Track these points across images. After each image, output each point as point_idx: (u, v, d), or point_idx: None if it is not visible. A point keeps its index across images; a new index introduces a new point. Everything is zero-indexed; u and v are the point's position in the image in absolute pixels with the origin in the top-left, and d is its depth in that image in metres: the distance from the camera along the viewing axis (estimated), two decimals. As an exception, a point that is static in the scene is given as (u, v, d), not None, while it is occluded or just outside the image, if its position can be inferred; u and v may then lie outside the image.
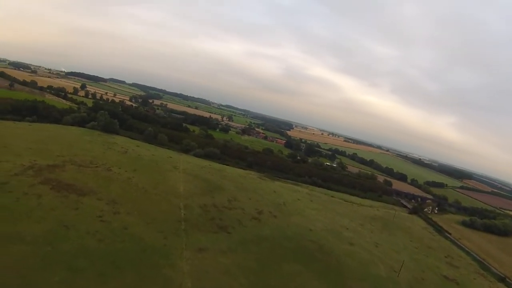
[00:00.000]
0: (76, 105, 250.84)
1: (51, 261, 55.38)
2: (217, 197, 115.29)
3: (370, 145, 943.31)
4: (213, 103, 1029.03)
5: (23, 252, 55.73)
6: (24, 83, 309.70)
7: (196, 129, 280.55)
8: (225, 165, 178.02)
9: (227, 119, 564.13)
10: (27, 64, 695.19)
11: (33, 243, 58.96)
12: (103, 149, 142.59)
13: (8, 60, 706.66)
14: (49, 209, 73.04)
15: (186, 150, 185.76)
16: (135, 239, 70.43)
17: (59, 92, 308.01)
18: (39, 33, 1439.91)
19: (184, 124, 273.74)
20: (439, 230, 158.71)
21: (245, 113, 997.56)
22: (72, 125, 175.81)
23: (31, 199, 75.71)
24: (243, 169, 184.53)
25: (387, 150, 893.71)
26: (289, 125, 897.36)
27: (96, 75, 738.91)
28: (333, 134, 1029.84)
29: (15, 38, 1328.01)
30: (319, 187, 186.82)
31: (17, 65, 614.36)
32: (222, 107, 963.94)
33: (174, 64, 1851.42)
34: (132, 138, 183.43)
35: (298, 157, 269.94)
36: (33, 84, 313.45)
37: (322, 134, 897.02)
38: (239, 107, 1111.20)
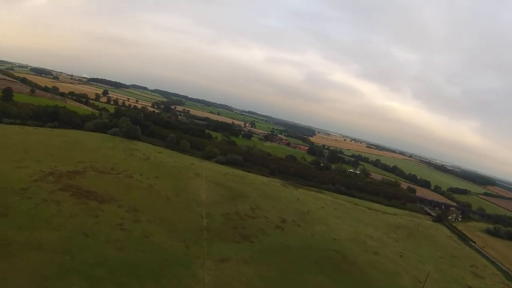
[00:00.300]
0: (98, 111, 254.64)
1: (69, 270, 55.04)
2: (240, 205, 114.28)
3: (393, 151, 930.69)
4: (235, 109, 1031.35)
5: (40, 260, 55.60)
6: (45, 89, 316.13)
7: (218, 136, 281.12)
8: (247, 172, 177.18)
9: (250, 125, 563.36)
10: (49, 70, 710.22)
11: (51, 251, 58.88)
12: (124, 155, 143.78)
13: (30, 66, 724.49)
14: (69, 216, 73.10)
15: (208, 157, 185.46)
16: (156, 248, 69.78)
17: (81, 98, 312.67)
18: (61, 40, 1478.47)
19: (206, 131, 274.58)
20: (463, 238, 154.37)
21: (268, 119, 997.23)
22: (93, 131, 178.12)
23: (51, 205, 76.03)
24: (266, 176, 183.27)
25: (410, 156, 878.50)
26: (311, 131, 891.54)
27: (118, 81, 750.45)
28: (355, 140, 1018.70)
29: (37, 45, 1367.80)
30: (342, 194, 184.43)
31: (39, 71, 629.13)
32: (245, 113, 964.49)
33: (196, 70, 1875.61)
34: (154, 145, 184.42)
35: (321, 164, 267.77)
36: (54, 90, 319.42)
37: (344, 140, 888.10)
38: (261, 113, 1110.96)
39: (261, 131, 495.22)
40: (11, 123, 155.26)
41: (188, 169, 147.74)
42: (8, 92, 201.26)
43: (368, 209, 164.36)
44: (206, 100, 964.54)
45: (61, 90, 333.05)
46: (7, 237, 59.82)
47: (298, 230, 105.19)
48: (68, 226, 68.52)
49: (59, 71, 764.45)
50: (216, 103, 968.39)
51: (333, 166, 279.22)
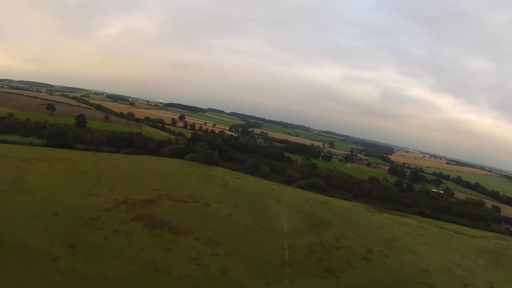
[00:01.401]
0: (174, 137, 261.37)
1: (139, 310, 52.71)
2: (323, 234, 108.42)
3: (473, 166, 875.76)
4: (313, 129, 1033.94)
5: (106, 298, 53.83)
6: (120, 115, 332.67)
7: (298, 158, 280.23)
8: (330, 197, 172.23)
9: (328, 146, 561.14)
10: (125, 96, 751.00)
11: (119, 287, 57.04)
12: (202, 182, 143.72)
13: (106, 93, 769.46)
14: (140, 249, 71.78)
15: (289, 182, 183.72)
16: (234, 286, 66.17)
17: (157, 123, 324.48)
18: (136, 67, 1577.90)
19: (286, 154, 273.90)
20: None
21: (346, 139, 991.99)
22: (170, 157, 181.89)
23: (121, 237, 75.36)
24: (349, 200, 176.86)
25: (490, 171, 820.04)
26: (390, 149, 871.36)
27: (195, 105, 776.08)
28: (434, 156, 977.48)
29: (113, 73, 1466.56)
30: (427, 217, 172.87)
31: (115, 98, 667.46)
32: (322, 133, 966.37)
33: (272, 92, 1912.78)
34: (233, 170, 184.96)
35: (404, 185, 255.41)
36: (130, 116, 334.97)
37: (423, 157, 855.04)
38: (339, 133, 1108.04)
39: (341, 152, 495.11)
40: (84, 150, 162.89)
41: (268, 195, 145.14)
42: (81, 118, 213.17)
43: (454, 232, 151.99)
44: (284, 121, 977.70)
45: (136, 116, 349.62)
46: (73, 271, 59.15)
47: (385, 261, 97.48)
48: (138, 260, 67.01)
49: (135, 97, 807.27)
50: (293, 124, 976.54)
51: (415, 187, 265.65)
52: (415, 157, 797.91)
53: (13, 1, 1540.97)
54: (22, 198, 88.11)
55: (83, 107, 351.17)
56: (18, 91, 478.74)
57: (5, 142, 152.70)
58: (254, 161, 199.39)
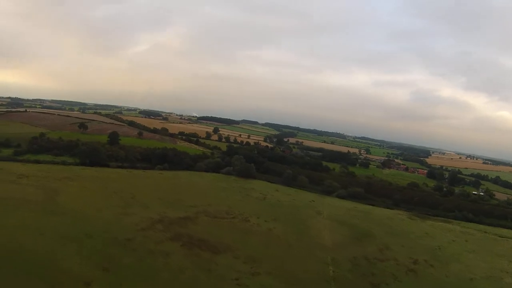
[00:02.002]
0: (209, 150, 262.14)
1: None
2: (367, 246, 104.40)
3: (509, 164, 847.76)
4: (348, 136, 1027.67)
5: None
6: (154, 130, 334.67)
7: (336, 167, 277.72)
8: (371, 206, 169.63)
9: (364, 152, 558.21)
10: (158, 111, 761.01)
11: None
12: (239, 196, 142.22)
13: (139, 109, 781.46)
14: (177, 270, 69.03)
15: (328, 192, 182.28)
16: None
17: (191, 137, 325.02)
18: (168, 82, 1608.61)
19: (324, 163, 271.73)
20: None
21: (381, 144, 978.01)
22: (205, 171, 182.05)
23: (157, 258, 72.82)
24: (390, 208, 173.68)
25: None
26: (426, 152, 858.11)
27: (228, 117, 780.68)
28: (470, 156, 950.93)
29: (145, 88, 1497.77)
30: (469, 222, 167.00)
31: (148, 113, 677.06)
32: (358, 140, 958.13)
33: (304, 101, 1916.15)
34: (270, 182, 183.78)
35: (444, 189, 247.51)
36: (163, 131, 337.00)
37: (460, 158, 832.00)
38: (374, 138, 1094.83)
39: (377, 157, 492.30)
40: (118, 167, 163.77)
41: (308, 207, 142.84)
42: (114, 135, 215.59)
43: (499, 236, 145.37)
44: (318, 129, 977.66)
45: (170, 130, 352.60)
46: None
47: (432, 272, 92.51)
48: (176, 283, 64.24)
49: (168, 112, 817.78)
50: (328, 132, 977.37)
51: (456, 190, 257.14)
52: (452, 158, 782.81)
53: (44, 23, 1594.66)
54: (53, 219, 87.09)
55: (116, 124, 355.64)
56: (51, 110, 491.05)
57: (38, 162, 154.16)
58: (291, 172, 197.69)
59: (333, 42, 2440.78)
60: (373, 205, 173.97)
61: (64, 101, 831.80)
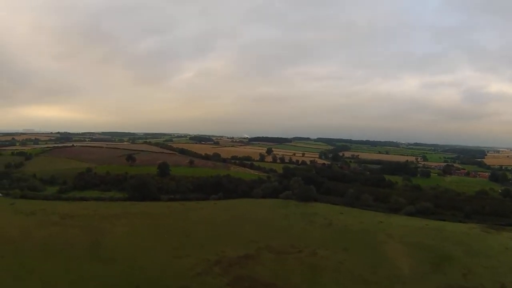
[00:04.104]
0: (265, 174, 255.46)
1: None
2: (448, 272, 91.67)
3: None
4: (401, 143, 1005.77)
5: None
6: (206, 157, 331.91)
7: (398, 179, 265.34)
8: (441, 221, 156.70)
9: (421, 160, 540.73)
10: (208, 136, 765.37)
11: None
12: (303, 223, 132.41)
13: (189, 135, 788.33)
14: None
15: (395, 210, 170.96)
16: None
17: (245, 161, 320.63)
18: (216, 106, 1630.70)
19: (386, 178, 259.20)
20: None
21: (434, 148, 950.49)
22: (263, 197, 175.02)
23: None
24: (463, 222, 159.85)
25: None
26: (481, 152, 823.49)
27: (279, 136, 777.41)
28: None
29: (194, 114, 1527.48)
30: None
31: (198, 139, 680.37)
32: (411, 146, 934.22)
33: (354, 112, 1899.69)
34: (333, 203, 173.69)
35: None
36: (215, 157, 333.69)
37: None
38: (427, 143, 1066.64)
39: (435, 164, 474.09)
40: (170, 200, 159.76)
41: (377, 229, 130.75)
42: (163, 166, 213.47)
43: None
44: (370, 140, 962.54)
45: (222, 155, 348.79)
46: None
47: None
48: None
49: (218, 135, 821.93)
50: (380, 141, 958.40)
51: None
52: (508, 156, 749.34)
53: (88, 57, 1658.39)
54: (100, 267, 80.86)
55: (166, 153, 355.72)
56: (99, 143, 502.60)
57: (84, 199, 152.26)
58: (353, 191, 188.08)
59: (379, 50, 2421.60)
60: (444, 219, 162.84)
61: (114, 132, 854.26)
